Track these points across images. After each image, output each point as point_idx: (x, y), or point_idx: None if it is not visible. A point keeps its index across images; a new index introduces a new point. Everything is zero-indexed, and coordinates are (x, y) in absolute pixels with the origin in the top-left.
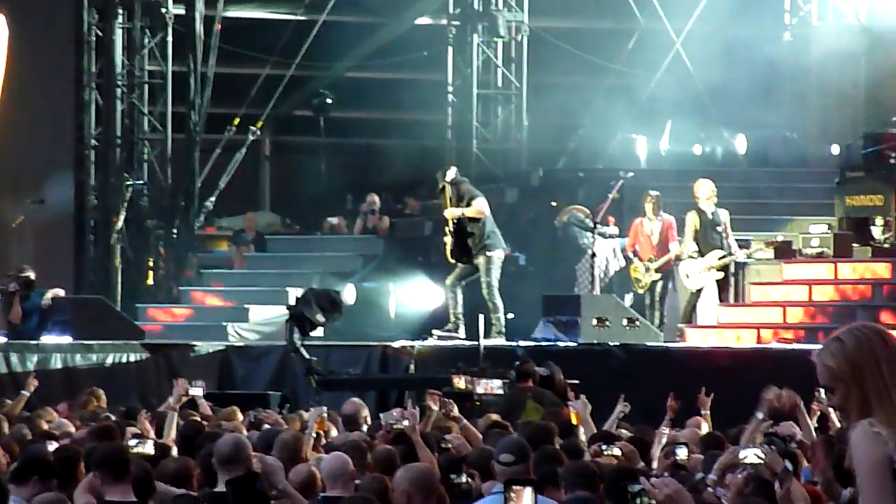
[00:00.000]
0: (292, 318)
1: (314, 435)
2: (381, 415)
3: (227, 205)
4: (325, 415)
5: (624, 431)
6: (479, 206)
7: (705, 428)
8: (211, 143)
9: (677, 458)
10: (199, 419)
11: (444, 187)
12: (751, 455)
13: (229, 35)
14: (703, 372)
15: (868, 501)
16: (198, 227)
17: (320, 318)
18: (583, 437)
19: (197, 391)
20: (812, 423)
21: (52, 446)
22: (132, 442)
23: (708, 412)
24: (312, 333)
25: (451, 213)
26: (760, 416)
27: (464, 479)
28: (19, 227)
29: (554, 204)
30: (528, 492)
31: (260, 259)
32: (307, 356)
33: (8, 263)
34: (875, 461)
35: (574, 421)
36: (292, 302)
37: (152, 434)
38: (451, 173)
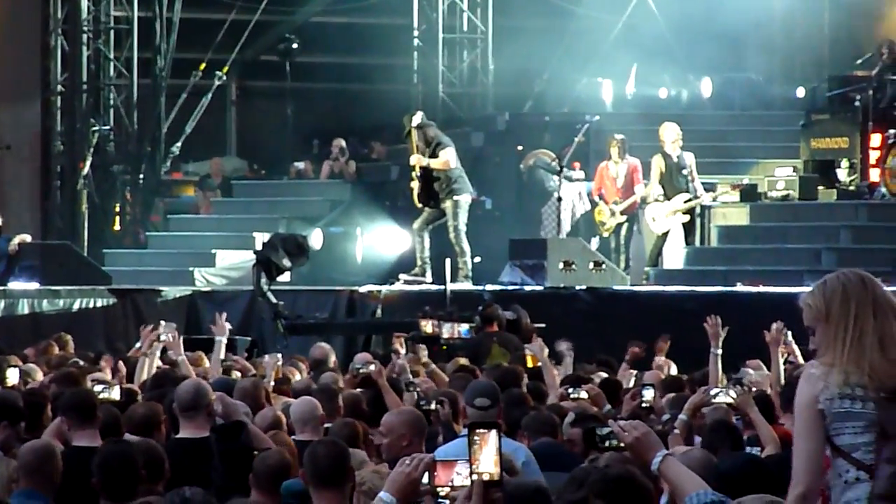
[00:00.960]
0: (259, 262)
1: (272, 382)
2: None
3: (194, 150)
4: (280, 362)
5: (600, 374)
6: (445, 158)
7: (674, 370)
8: (177, 88)
9: (643, 399)
10: (166, 365)
11: (410, 132)
12: (721, 395)
13: None
14: (669, 315)
15: (796, 441)
16: (164, 172)
17: (287, 262)
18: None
19: (167, 336)
20: (779, 367)
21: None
22: (98, 388)
23: (663, 356)
24: (279, 278)
25: (417, 160)
26: (716, 351)
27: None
28: None
29: (520, 148)
30: (492, 435)
31: (226, 204)
32: (274, 301)
33: None
34: (802, 402)
35: (530, 363)
36: (259, 247)
37: (117, 379)
38: (418, 118)
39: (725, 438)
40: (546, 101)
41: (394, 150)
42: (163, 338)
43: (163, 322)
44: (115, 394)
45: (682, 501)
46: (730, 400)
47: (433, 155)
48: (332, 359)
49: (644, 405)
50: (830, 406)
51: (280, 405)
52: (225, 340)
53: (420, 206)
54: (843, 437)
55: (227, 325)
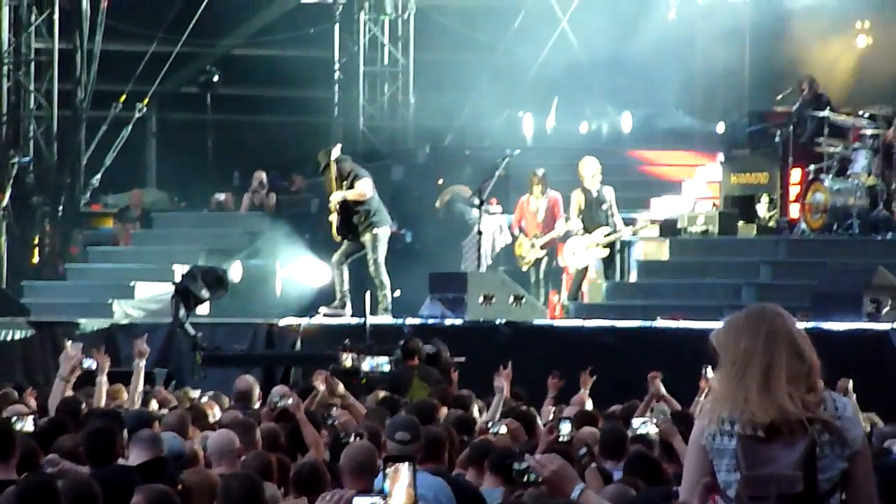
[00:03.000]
0: (178, 293)
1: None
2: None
3: (114, 182)
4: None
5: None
6: (361, 189)
7: (589, 405)
8: (97, 120)
9: (560, 433)
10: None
11: (327, 166)
12: (642, 426)
13: (116, 12)
14: (588, 349)
15: (683, 474)
16: (84, 204)
17: (205, 294)
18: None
19: (90, 364)
20: (700, 400)
21: None
22: (13, 419)
23: (587, 391)
24: (198, 311)
25: (335, 197)
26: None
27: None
28: None
29: (440, 181)
30: (405, 468)
31: (146, 236)
32: (192, 332)
33: None
34: (692, 437)
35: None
36: (178, 278)
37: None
38: (335, 152)
39: (644, 472)
40: (467, 134)
41: (314, 183)
42: (85, 365)
43: (69, 343)
44: (29, 425)
45: None
46: (653, 430)
47: (350, 186)
48: (257, 391)
49: (561, 439)
50: (711, 442)
51: (199, 439)
52: (143, 364)
53: (339, 239)
54: (720, 473)
55: (147, 348)
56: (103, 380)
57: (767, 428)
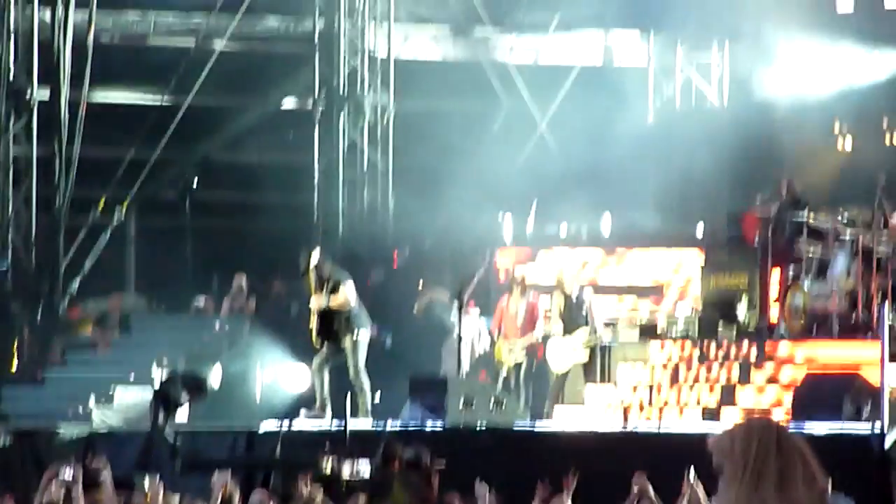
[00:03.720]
0: (158, 398)
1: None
2: None
3: (92, 287)
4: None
5: None
6: (344, 296)
7: None
8: (76, 225)
9: None
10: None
11: (307, 270)
12: None
13: (95, 118)
14: (570, 454)
15: None
16: (62, 310)
17: (185, 398)
18: None
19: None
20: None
21: None
22: None
23: (569, 494)
24: (178, 416)
25: (316, 304)
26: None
27: None
28: None
29: (421, 283)
30: None
31: (125, 341)
32: (171, 439)
33: None
34: None
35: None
36: (158, 384)
37: None
38: (315, 257)
39: None
40: (447, 236)
41: (294, 287)
42: (62, 476)
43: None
44: None
45: None
46: None
47: (333, 291)
48: (235, 496)
49: None
50: None
51: None
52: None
53: (319, 343)
54: None
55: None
56: (79, 493)
57: None
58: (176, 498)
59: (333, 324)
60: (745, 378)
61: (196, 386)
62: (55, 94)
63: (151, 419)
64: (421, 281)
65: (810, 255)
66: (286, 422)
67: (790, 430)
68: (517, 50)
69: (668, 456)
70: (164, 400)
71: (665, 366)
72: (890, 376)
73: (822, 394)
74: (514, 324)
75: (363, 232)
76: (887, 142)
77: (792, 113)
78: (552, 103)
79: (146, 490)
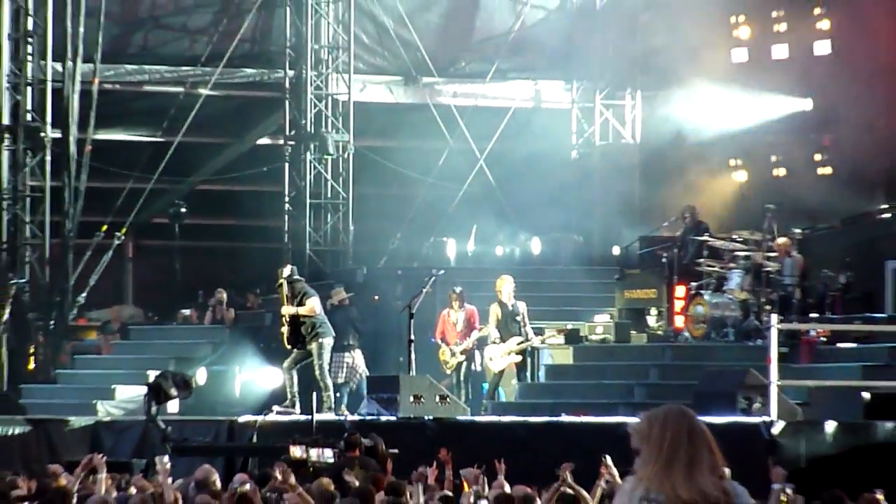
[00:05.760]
0: (151, 391)
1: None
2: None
3: (97, 299)
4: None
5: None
6: (311, 306)
7: (507, 488)
8: (83, 246)
9: None
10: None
11: (281, 284)
12: None
13: (98, 154)
14: (503, 442)
15: None
16: (71, 318)
17: (175, 392)
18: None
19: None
20: (601, 484)
21: None
22: None
23: (502, 476)
24: (169, 409)
25: (286, 311)
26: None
27: None
28: None
29: (376, 297)
30: None
31: (124, 346)
32: (163, 426)
33: None
34: (621, 493)
35: (466, 488)
36: (151, 382)
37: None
38: (287, 271)
39: None
40: (399, 256)
41: (267, 300)
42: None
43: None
44: None
45: None
46: None
47: (300, 303)
48: (214, 478)
49: None
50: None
51: None
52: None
53: (289, 347)
54: None
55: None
56: (103, 476)
57: None
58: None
59: (301, 330)
60: None
61: (184, 383)
62: (65, 134)
63: (145, 410)
64: (376, 296)
65: (710, 272)
66: (261, 415)
67: (699, 419)
68: (459, 95)
69: (588, 442)
70: (156, 392)
71: None
72: (776, 373)
73: (717, 390)
74: (454, 331)
75: (327, 252)
76: (774, 174)
77: (694, 149)
78: (489, 141)
79: (158, 469)
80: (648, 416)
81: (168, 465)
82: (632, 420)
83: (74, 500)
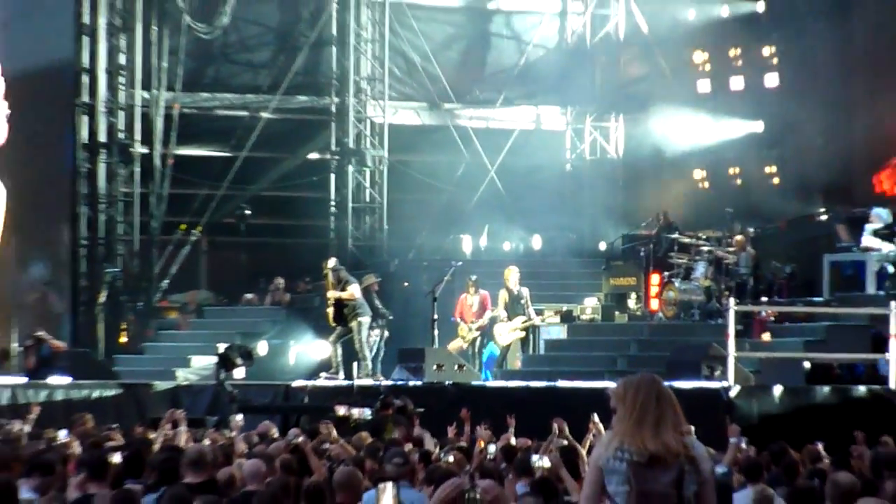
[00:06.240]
0: (220, 360)
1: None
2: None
3: (177, 285)
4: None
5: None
6: (351, 291)
7: (513, 440)
8: (165, 242)
9: (488, 455)
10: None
11: (327, 273)
12: (539, 460)
13: (178, 166)
14: (510, 402)
15: (584, 486)
16: (156, 301)
17: (239, 361)
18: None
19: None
20: (589, 437)
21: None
22: (108, 452)
23: (511, 430)
24: (236, 376)
25: (331, 294)
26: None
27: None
28: (35, 302)
29: (406, 284)
30: (389, 486)
31: (199, 323)
32: (230, 389)
33: (31, 327)
34: (591, 460)
35: (480, 445)
36: (221, 353)
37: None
38: (331, 262)
39: (544, 489)
40: (424, 250)
41: (316, 286)
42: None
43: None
44: (117, 458)
45: None
46: (547, 463)
47: (343, 289)
48: (273, 432)
49: (489, 457)
50: (606, 464)
51: (236, 465)
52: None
53: (333, 325)
54: (611, 486)
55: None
56: (183, 428)
57: (651, 458)
58: (234, 433)
59: (343, 311)
60: None
61: (247, 354)
62: (151, 149)
63: (216, 377)
64: (406, 283)
65: (679, 263)
66: (311, 380)
67: (666, 385)
68: (474, 118)
69: (578, 402)
70: (225, 363)
71: None
72: (733, 346)
73: (686, 360)
74: (470, 312)
75: (365, 246)
76: (732, 183)
77: (667, 163)
78: (499, 156)
79: (232, 425)
80: (624, 381)
81: (241, 422)
82: (611, 385)
83: (157, 446)
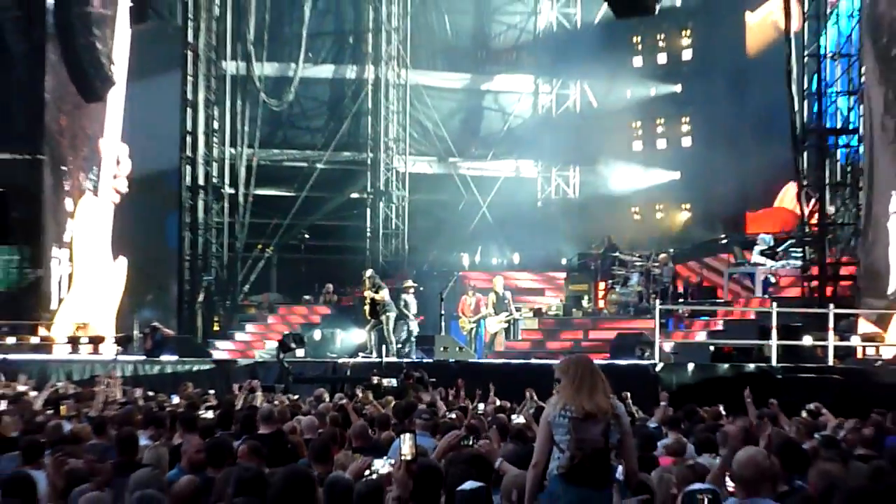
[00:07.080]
0: (280, 345)
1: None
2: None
3: (255, 288)
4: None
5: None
6: (382, 295)
7: (498, 402)
8: (246, 257)
9: (478, 410)
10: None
11: (364, 280)
12: (516, 418)
13: (255, 202)
14: (496, 375)
15: (537, 438)
16: (239, 300)
17: (293, 345)
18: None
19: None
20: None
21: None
22: (202, 411)
23: (492, 394)
24: (298, 354)
25: (368, 295)
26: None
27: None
28: (151, 301)
29: (421, 289)
30: (409, 436)
31: (271, 318)
32: (287, 366)
33: (147, 319)
34: (542, 417)
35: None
36: (282, 338)
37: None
38: (368, 272)
39: (523, 439)
40: (435, 264)
41: (357, 291)
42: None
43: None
44: (209, 415)
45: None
46: (522, 419)
47: (376, 292)
48: (325, 395)
49: (479, 413)
50: (553, 420)
51: (296, 421)
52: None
53: (369, 318)
54: (557, 435)
55: (257, 383)
56: (259, 394)
57: (586, 414)
58: (295, 397)
59: (376, 308)
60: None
61: (300, 340)
62: (236, 190)
63: (276, 356)
64: (421, 287)
65: (619, 275)
66: (353, 358)
67: (597, 363)
68: (471, 168)
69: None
70: (283, 344)
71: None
72: (658, 335)
73: (624, 344)
74: (469, 309)
75: (391, 261)
76: (657, 216)
77: (611, 201)
78: (489, 196)
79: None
80: (566, 359)
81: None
82: (556, 362)
83: (239, 405)
